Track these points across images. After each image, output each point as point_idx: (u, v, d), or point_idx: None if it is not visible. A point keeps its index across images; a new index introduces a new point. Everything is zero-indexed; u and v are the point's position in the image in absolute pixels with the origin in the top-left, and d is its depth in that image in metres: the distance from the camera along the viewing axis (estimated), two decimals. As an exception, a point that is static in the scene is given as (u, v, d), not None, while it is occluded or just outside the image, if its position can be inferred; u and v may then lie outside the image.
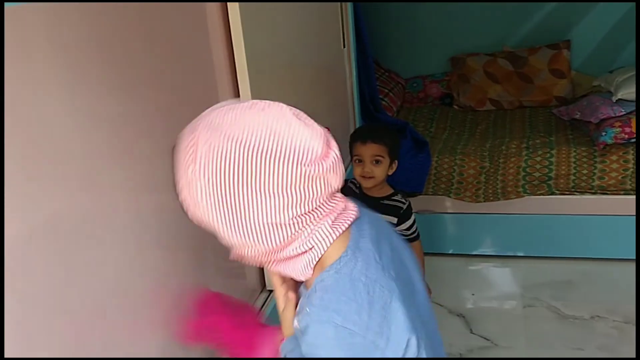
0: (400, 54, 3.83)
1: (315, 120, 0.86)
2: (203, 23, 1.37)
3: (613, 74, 3.02)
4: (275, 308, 1.58)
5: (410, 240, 1.98)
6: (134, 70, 1.09)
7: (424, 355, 0.87)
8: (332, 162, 0.84)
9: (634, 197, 2.66)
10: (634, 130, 2.66)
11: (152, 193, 1.16)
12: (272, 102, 0.86)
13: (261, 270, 1.64)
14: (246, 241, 0.84)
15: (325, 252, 0.87)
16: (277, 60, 1.67)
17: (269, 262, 0.90)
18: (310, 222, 0.86)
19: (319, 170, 0.82)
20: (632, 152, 2.68)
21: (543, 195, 2.80)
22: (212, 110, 0.87)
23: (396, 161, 1.96)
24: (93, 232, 0.97)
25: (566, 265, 2.81)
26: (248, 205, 0.81)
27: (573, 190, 2.77)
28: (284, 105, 0.86)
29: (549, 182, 2.78)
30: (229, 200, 0.81)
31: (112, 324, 1.02)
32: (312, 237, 0.87)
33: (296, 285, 0.99)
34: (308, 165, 0.81)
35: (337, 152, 0.86)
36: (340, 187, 0.88)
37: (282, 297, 0.99)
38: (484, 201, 2.84)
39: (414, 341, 0.85)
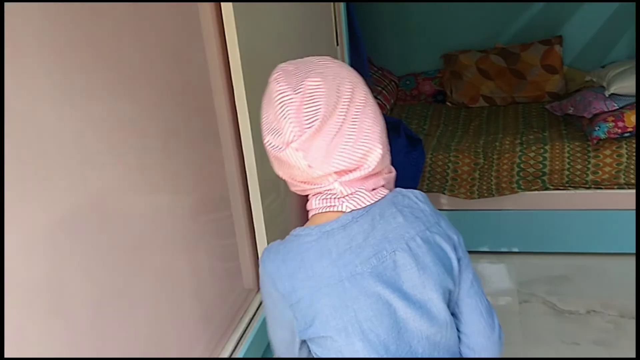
0: (392, 51, 3.83)
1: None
2: (196, 23, 1.36)
3: (605, 68, 3.03)
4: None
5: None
6: (127, 71, 1.08)
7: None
8: None
9: (628, 191, 2.67)
10: (627, 124, 2.66)
11: (147, 194, 1.15)
12: None
13: (257, 270, 1.63)
14: None
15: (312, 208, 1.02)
16: (271, 59, 1.66)
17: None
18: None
19: None
20: (625, 146, 2.69)
21: (537, 190, 2.80)
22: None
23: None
24: (86, 233, 0.96)
25: (561, 261, 2.82)
26: None
27: (567, 185, 2.78)
28: None
29: (543, 177, 2.79)
30: None
31: (107, 325, 1.02)
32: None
33: None
34: None
35: None
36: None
37: None
38: (479, 197, 2.84)
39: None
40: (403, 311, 0.98)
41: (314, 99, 0.93)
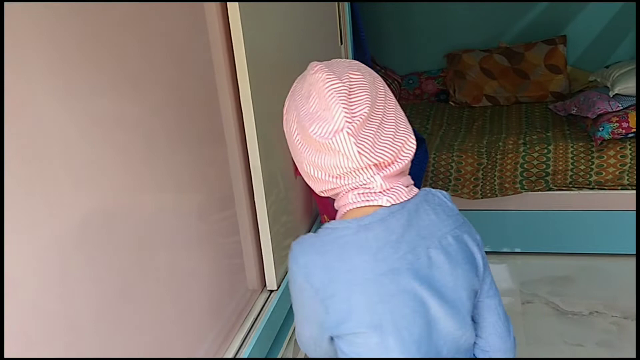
0: (396, 51, 3.82)
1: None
2: (202, 22, 1.36)
3: (609, 69, 3.03)
4: (275, 309, 1.58)
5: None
6: (132, 70, 1.08)
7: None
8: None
9: (632, 192, 2.67)
10: (631, 125, 2.66)
11: (152, 193, 1.15)
12: None
13: (261, 270, 1.63)
14: None
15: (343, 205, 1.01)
16: (276, 59, 1.66)
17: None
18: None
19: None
20: (629, 147, 2.69)
21: (541, 191, 2.80)
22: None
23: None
24: (91, 232, 0.96)
25: (564, 261, 2.82)
26: None
27: (571, 185, 2.77)
28: None
29: (546, 178, 2.78)
30: None
31: (112, 324, 1.01)
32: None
33: None
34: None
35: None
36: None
37: None
38: (482, 197, 2.84)
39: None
40: (435, 310, 0.97)
41: (359, 88, 0.96)
